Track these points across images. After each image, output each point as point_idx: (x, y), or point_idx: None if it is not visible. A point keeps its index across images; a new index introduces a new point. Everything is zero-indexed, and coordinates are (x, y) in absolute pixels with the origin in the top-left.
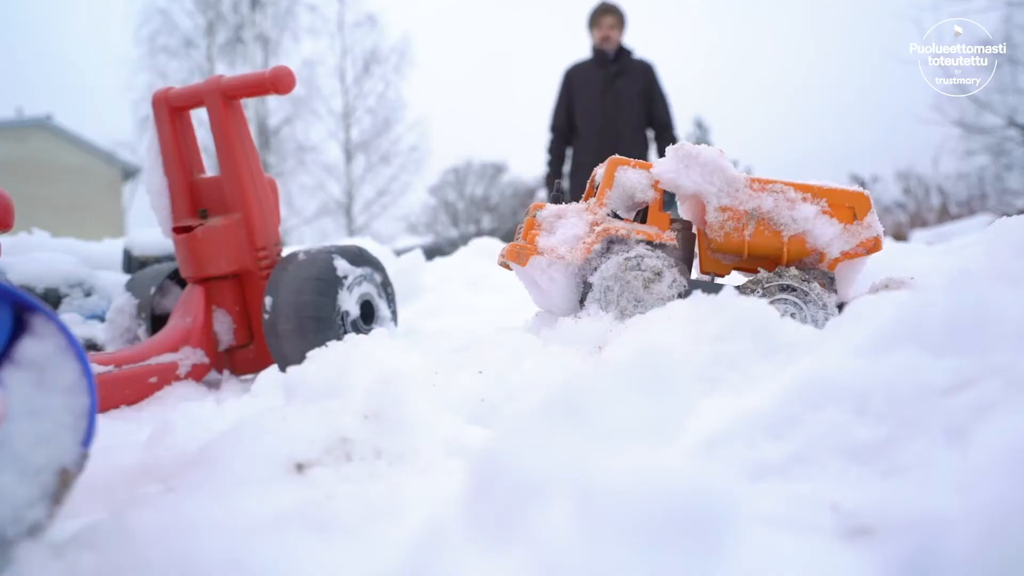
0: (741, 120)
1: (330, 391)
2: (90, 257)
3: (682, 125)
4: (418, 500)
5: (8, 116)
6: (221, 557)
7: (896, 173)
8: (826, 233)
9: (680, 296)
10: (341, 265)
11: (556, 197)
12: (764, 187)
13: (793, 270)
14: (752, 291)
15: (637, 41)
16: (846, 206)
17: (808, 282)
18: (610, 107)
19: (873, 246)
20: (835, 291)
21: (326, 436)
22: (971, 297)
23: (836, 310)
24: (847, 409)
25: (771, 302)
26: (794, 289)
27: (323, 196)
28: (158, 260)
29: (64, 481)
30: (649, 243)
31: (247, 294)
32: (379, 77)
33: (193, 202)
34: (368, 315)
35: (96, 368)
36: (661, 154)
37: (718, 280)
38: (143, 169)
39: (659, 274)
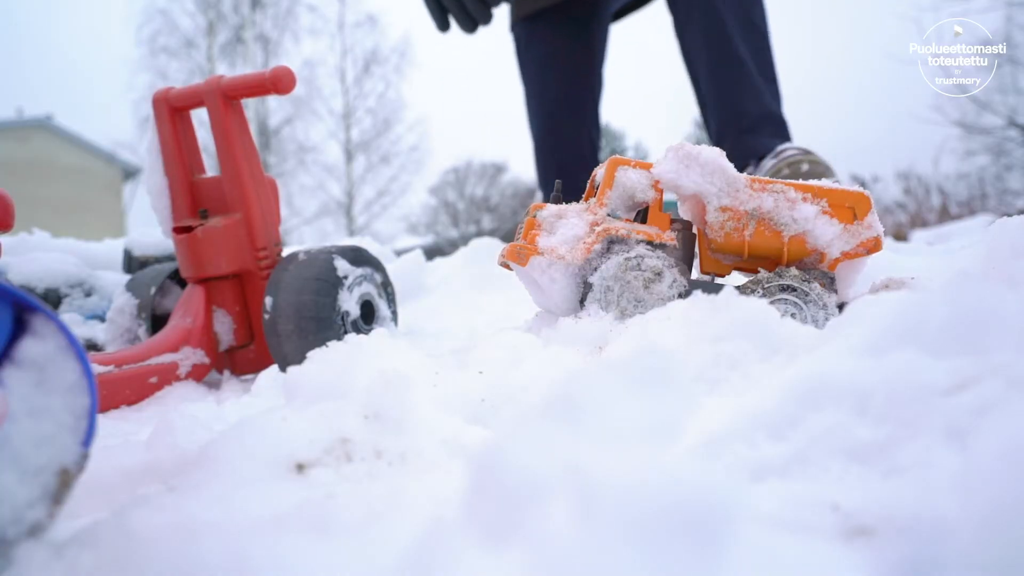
0: None
1: (330, 391)
2: (90, 257)
3: (682, 125)
4: (418, 500)
5: (8, 116)
6: (221, 557)
7: (896, 173)
8: (826, 233)
9: (680, 296)
10: (341, 265)
11: (556, 197)
12: (764, 187)
13: (793, 270)
14: (752, 291)
15: (636, 39)
16: (846, 206)
17: (808, 282)
18: None
19: (873, 246)
20: (835, 291)
21: (326, 436)
22: (971, 297)
23: (836, 310)
24: (847, 409)
25: (771, 302)
26: (794, 289)
27: (323, 196)
28: (158, 260)
29: (64, 481)
30: (649, 243)
31: (247, 294)
32: (379, 77)
33: (193, 202)
34: (368, 315)
35: (96, 368)
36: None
37: (718, 280)
38: (143, 169)
39: (659, 274)
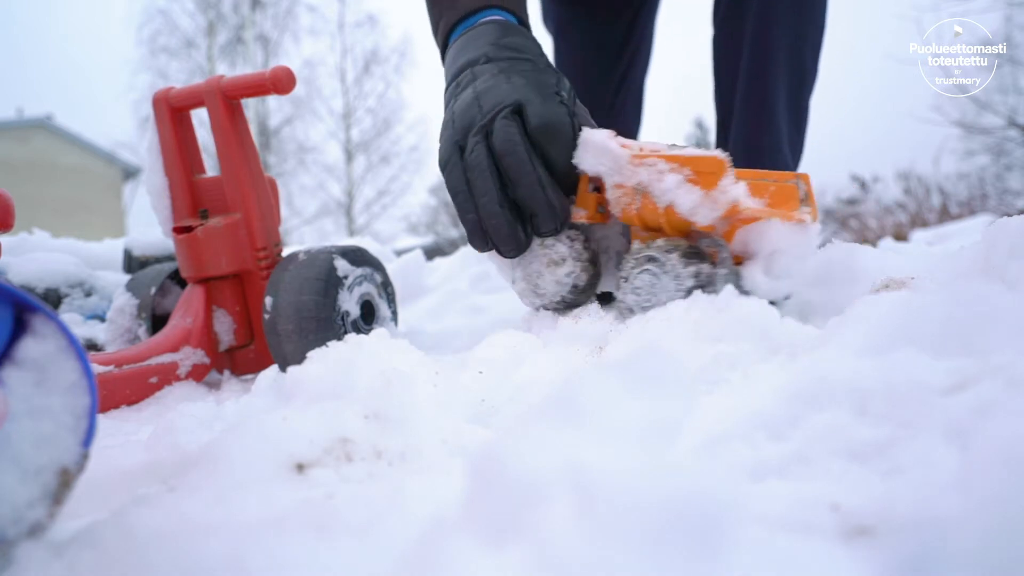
0: None
1: (331, 391)
2: (90, 257)
3: (682, 125)
4: (419, 500)
5: (8, 116)
6: (221, 557)
7: (896, 173)
8: (686, 201)
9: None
10: (341, 265)
11: None
12: (642, 162)
13: (660, 240)
14: (627, 262)
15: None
16: (708, 172)
17: (668, 252)
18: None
19: (730, 212)
20: (731, 261)
21: (326, 436)
22: (971, 297)
23: (692, 281)
24: (847, 409)
25: (639, 272)
26: (655, 259)
27: (323, 196)
28: (158, 260)
29: (65, 481)
30: (573, 226)
31: (247, 294)
32: (379, 77)
33: (193, 202)
34: (368, 315)
35: (96, 368)
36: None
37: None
38: (143, 169)
39: (564, 260)
